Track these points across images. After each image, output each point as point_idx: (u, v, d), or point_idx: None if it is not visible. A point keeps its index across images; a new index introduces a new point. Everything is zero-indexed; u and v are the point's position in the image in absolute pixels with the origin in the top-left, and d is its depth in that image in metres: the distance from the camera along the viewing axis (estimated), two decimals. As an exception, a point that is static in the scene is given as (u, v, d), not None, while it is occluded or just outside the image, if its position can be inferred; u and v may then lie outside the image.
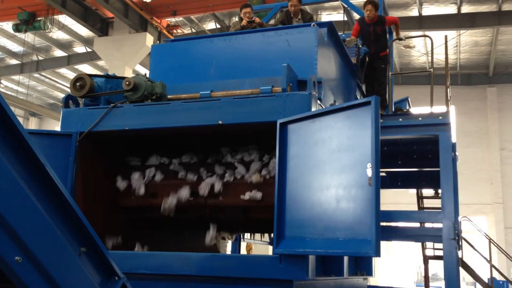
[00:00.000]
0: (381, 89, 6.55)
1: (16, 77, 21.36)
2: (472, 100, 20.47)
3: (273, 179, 3.33)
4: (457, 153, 6.37)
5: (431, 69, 7.10)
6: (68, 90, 4.09)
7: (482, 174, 19.77)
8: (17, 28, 15.71)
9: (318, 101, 3.59)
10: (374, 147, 2.73)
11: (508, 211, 19.38)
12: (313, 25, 4.25)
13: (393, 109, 6.85)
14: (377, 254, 2.60)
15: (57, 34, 18.05)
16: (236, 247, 7.37)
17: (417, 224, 7.17)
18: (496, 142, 20.04)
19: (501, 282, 13.39)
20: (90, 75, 4.03)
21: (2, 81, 21.91)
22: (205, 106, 3.72)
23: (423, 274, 9.20)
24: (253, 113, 3.54)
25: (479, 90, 20.57)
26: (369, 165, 2.72)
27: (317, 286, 3.57)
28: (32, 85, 22.74)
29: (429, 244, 8.06)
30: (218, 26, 16.88)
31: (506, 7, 15.41)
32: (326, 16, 16.13)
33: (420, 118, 5.97)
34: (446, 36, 7.23)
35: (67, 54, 19.78)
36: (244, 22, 6.49)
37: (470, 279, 10.39)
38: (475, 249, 9.01)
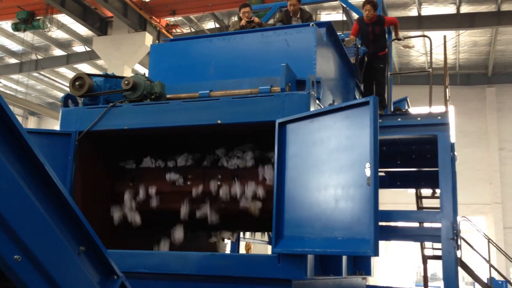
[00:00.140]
0: (380, 88, 6.56)
1: (15, 76, 21.36)
2: (471, 100, 20.49)
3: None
4: (456, 153, 6.38)
5: (430, 69, 7.11)
6: (67, 89, 4.10)
7: (481, 174, 19.80)
8: (16, 27, 15.71)
9: (317, 101, 3.60)
10: (372, 147, 2.73)
11: (507, 211, 19.41)
12: (312, 25, 4.25)
13: (392, 109, 6.86)
14: (376, 253, 2.61)
15: (56, 33, 18.05)
16: (235, 246, 7.37)
17: (416, 224, 7.18)
18: (495, 142, 20.07)
19: (500, 282, 13.42)
20: (89, 75, 4.04)
21: (1, 80, 21.91)
22: (204, 105, 3.72)
23: (422, 274, 9.22)
24: (252, 112, 3.55)
25: (478, 90, 20.60)
26: (367, 165, 2.73)
27: (316, 285, 3.58)
28: (31, 84, 22.74)
29: (428, 244, 8.07)
30: (217, 25, 16.90)
31: (505, 7, 15.44)
32: (325, 16, 16.13)
33: (419, 118, 5.98)
34: (445, 36, 7.24)
35: (66, 53, 19.78)
36: (243, 22, 6.49)
37: (469, 279, 10.41)
38: (474, 249, 9.03)
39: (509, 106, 20.35)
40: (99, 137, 4.06)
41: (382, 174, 7.46)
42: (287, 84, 3.52)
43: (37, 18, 15.35)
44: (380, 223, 6.40)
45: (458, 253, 5.99)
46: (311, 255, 3.16)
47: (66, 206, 1.84)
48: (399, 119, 6.03)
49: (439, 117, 5.86)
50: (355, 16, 8.14)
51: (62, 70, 21.42)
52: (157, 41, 15.40)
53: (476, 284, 9.59)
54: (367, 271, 5.04)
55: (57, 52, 19.94)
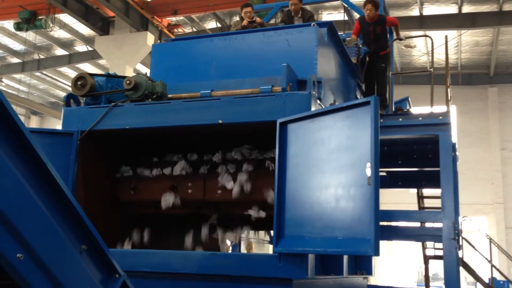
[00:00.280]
0: (381, 88, 6.56)
1: (17, 76, 21.39)
2: (473, 100, 20.46)
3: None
4: (457, 153, 6.38)
5: (431, 69, 7.10)
6: (69, 88, 4.11)
7: (483, 174, 19.77)
8: (18, 27, 15.74)
9: (318, 101, 3.60)
10: (373, 147, 2.74)
11: (508, 211, 19.38)
12: (313, 25, 4.26)
13: (393, 109, 6.86)
14: (376, 253, 2.61)
15: (58, 33, 18.08)
16: (236, 245, 7.38)
17: (418, 224, 7.18)
18: (497, 142, 20.04)
19: (501, 282, 13.40)
20: (91, 74, 4.05)
21: (3, 79, 21.96)
22: (205, 105, 3.73)
23: (423, 274, 9.22)
24: (253, 112, 3.55)
25: (480, 90, 20.56)
26: (368, 164, 2.74)
27: (317, 285, 3.58)
28: (34, 84, 22.78)
29: (429, 244, 8.07)
30: (219, 25, 16.90)
31: (507, 7, 15.41)
32: (326, 16, 16.13)
33: (420, 118, 5.98)
34: (446, 36, 7.24)
35: (68, 53, 19.81)
36: (245, 22, 6.51)
37: (471, 279, 10.40)
38: (476, 249, 9.03)
39: (511, 106, 20.32)
40: (101, 137, 4.08)
41: (384, 174, 7.46)
42: (288, 84, 3.53)
43: (39, 17, 15.38)
44: (382, 223, 6.42)
45: (460, 253, 5.99)
46: (312, 254, 3.17)
47: (68, 205, 1.85)
48: (401, 119, 6.03)
49: (440, 117, 5.85)
50: (356, 15, 8.14)
51: (64, 69, 21.46)
52: (158, 41, 15.41)
53: (478, 284, 9.59)
54: (368, 271, 5.05)
55: (59, 51, 19.97)
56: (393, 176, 7.66)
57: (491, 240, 10.24)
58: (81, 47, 19.51)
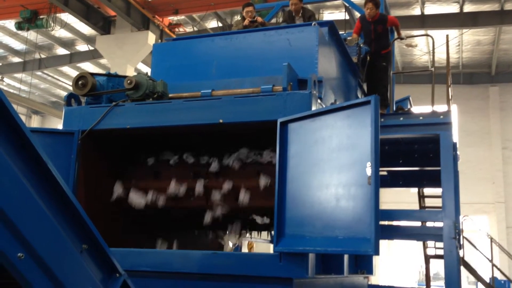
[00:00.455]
0: (382, 87, 6.56)
1: (18, 75, 21.40)
2: (474, 99, 20.43)
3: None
4: (458, 152, 6.37)
5: (433, 69, 7.10)
6: (70, 88, 4.12)
7: (484, 174, 19.74)
8: (19, 26, 15.74)
9: (319, 100, 3.61)
10: (373, 146, 2.74)
11: (510, 210, 19.35)
12: (314, 24, 4.26)
13: (394, 108, 6.86)
14: (376, 252, 2.62)
15: (60, 32, 18.08)
16: (237, 245, 7.39)
17: (419, 223, 7.17)
18: (498, 141, 20.01)
19: (502, 282, 13.39)
20: (92, 74, 4.05)
21: (4, 79, 21.98)
22: (206, 105, 3.74)
23: (424, 273, 9.22)
24: (254, 112, 3.56)
25: (481, 89, 20.53)
26: (368, 164, 2.74)
27: (317, 284, 3.59)
28: (35, 83, 22.80)
29: (430, 243, 8.07)
30: (220, 24, 16.89)
31: (508, 6, 15.38)
32: (328, 15, 16.12)
33: (421, 117, 5.98)
34: (447, 36, 7.22)
35: (69, 52, 19.82)
36: (246, 22, 6.51)
37: (472, 278, 10.40)
38: (477, 249, 9.02)
39: (513, 105, 20.30)
40: (102, 136, 4.08)
41: (385, 173, 7.46)
42: (289, 83, 3.53)
43: (41, 17, 15.38)
44: (383, 222, 6.43)
45: (461, 253, 5.99)
46: (313, 254, 3.17)
47: (69, 204, 1.86)
48: (401, 118, 6.02)
49: (441, 117, 5.85)
50: (357, 15, 8.13)
51: (65, 69, 21.47)
52: (159, 40, 15.41)
53: (479, 284, 9.58)
54: (369, 270, 5.05)
55: (61, 51, 19.99)
56: (394, 175, 7.66)
57: (492, 240, 10.23)
58: (82, 47, 19.52)
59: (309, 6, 8.25)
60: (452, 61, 18.91)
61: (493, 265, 9.51)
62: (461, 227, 6.31)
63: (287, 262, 3.10)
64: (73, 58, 19.77)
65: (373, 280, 6.20)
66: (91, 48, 18.57)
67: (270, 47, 4.32)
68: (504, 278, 11.83)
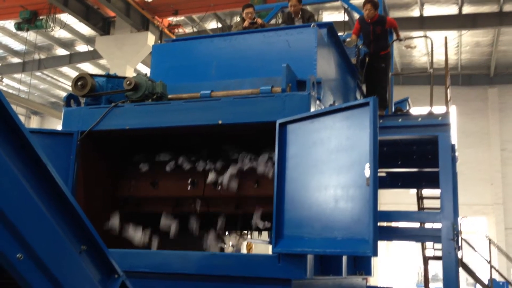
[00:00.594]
0: (381, 88, 6.57)
1: (18, 76, 21.39)
2: (473, 101, 20.47)
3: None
4: (457, 154, 6.39)
5: (431, 70, 7.11)
6: (70, 89, 4.12)
7: (483, 175, 19.77)
8: (19, 27, 15.74)
9: (318, 102, 3.61)
10: (372, 148, 2.75)
11: (508, 211, 19.38)
12: (313, 26, 4.27)
13: (393, 109, 6.87)
14: (375, 253, 2.62)
15: (59, 33, 18.08)
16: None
17: (417, 224, 7.19)
18: (497, 142, 20.04)
19: (501, 283, 13.41)
20: (92, 75, 4.06)
21: (4, 79, 21.96)
22: (205, 106, 3.74)
23: (423, 275, 9.23)
24: (253, 113, 3.57)
25: (480, 90, 20.57)
26: (367, 165, 2.75)
27: (316, 285, 3.59)
28: (34, 84, 22.78)
29: (429, 245, 8.08)
30: (220, 25, 16.91)
31: (507, 7, 15.41)
32: (327, 16, 16.13)
33: (419, 119, 5.99)
34: (446, 37, 7.24)
35: (69, 53, 19.82)
36: (246, 23, 6.51)
37: (471, 280, 10.41)
38: (475, 250, 9.04)
39: (511, 106, 20.32)
40: (101, 137, 4.09)
41: (383, 174, 7.47)
42: (288, 84, 3.54)
43: (40, 17, 15.37)
44: (381, 224, 6.44)
45: (459, 254, 6.00)
46: (311, 255, 3.17)
47: (68, 205, 1.86)
48: (400, 120, 6.04)
49: (439, 118, 5.86)
50: (356, 16, 8.14)
51: (65, 69, 21.47)
52: (159, 41, 15.41)
53: (477, 285, 9.59)
54: (368, 271, 5.05)
55: (60, 51, 19.98)
56: (393, 176, 7.67)
57: (490, 241, 10.25)
58: (81, 47, 19.52)
59: (308, 7, 8.27)
60: (451, 62, 18.93)
61: (492, 266, 9.53)
62: (459, 229, 6.32)
63: (285, 263, 3.11)
64: (73, 58, 19.77)
65: (372, 281, 6.21)
66: (91, 48, 18.57)
67: (269, 48, 4.33)
68: (503, 280, 11.85)
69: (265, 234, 6.76)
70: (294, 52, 4.18)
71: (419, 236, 6.60)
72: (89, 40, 18.31)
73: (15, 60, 20.76)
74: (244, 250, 11.60)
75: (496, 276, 11.69)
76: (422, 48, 18.31)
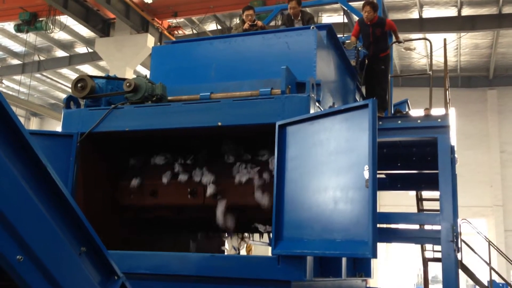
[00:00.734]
0: (381, 90, 6.57)
1: (17, 77, 21.40)
2: (472, 103, 20.48)
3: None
4: (456, 155, 6.38)
5: (430, 72, 7.12)
6: (69, 90, 4.13)
7: (482, 177, 19.78)
8: (18, 29, 15.75)
9: (317, 103, 3.62)
10: (371, 150, 2.75)
11: (508, 213, 19.38)
12: (313, 28, 4.28)
13: (392, 111, 6.87)
14: (374, 255, 2.62)
15: (59, 35, 18.09)
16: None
17: (417, 226, 7.18)
18: (496, 144, 20.05)
19: (500, 285, 13.39)
20: (91, 77, 4.06)
21: (3, 81, 21.96)
22: (205, 107, 3.75)
23: (423, 276, 9.22)
24: (252, 115, 3.57)
25: (480, 92, 20.59)
26: (366, 167, 2.75)
27: (315, 287, 3.59)
28: (34, 85, 22.78)
29: (428, 246, 8.07)
30: (219, 27, 16.92)
31: (506, 10, 15.44)
32: (326, 18, 16.15)
33: (419, 121, 5.98)
34: (445, 39, 7.24)
35: (68, 55, 19.83)
36: (246, 26, 6.51)
37: (471, 282, 10.41)
38: (475, 252, 9.02)
39: (510, 108, 20.33)
40: (101, 139, 4.09)
41: (383, 176, 7.47)
42: (287, 86, 3.54)
43: (40, 19, 15.38)
44: (381, 225, 6.43)
45: (459, 256, 5.99)
46: (311, 256, 3.18)
47: (68, 207, 1.86)
48: (399, 122, 6.03)
49: (439, 120, 5.86)
50: (355, 18, 8.16)
51: (64, 71, 21.47)
52: (159, 43, 15.42)
53: (477, 287, 9.58)
54: (367, 273, 5.05)
55: (60, 53, 19.99)
56: (392, 178, 7.66)
57: (490, 243, 10.23)
58: (81, 49, 19.52)
59: (307, 9, 8.28)
60: (450, 64, 18.96)
61: (491, 268, 9.52)
62: (459, 230, 6.32)
63: (285, 265, 3.11)
64: (72, 60, 19.78)
65: (371, 283, 6.19)
66: (90, 50, 18.58)
67: (269, 50, 4.34)
68: (502, 282, 11.83)
69: (265, 235, 6.77)
70: (293, 54, 4.19)
71: (419, 238, 6.59)
72: (88, 42, 18.32)
73: (15, 61, 20.77)
74: (243, 252, 11.59)
75: (495, 278, 11.69)
76: (421, 50, 18.33)
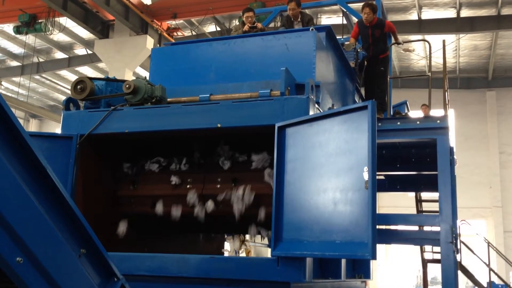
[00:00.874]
0: (380, 91, 6.59)
1: (16, 79, 21.40)
2: (471, 104, 20.51)
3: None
4: (455, 157, 6.39)
5: (429, 73, 7.13)
6: (69, 92, 4.13)
7: (481, 178, 19.80)
8: (18, 30, 15.75)
9: (316, 105, 3.62)
10: (370, 151, 2.76)
11: (507, 215, 19.39)
12: (312, 29, 4.28)
13: (391, 113, 6.88)
14: (373, 256, 2.63)
15: (58, 36, 18.10)
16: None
17: (416, 228, 7.18)
18: (495, 145, 20.07)
19: (500, 286, 13.40)
20: (91, 78, 4.07)
21: (2, 83, 21.95)
22: (204, 109, 3.75)
23: (422, 278, 9.23)
24: (252, 116, 3.57)
25: (479, 93, 20.61)
26: (365, 168, 2.75)
27: (315, 288, 3.59)
28: (33, 87, 22.78)
29: (427, 248, 8.07)
30: (219, 28, 16.94)
31: (505, 11, 15.47)
32: (326, 19, 16.17)
33: (418, 122, 6.00)
34: (444, 41, 7.27)
35: (67, 56, 19.83)
36: (246, 27, 6.52)
37: (471, 283, 10.43)
38: (474, 253, 9.04)
39: (509, 109, 20.36)
40: (100, 140, 4.09)
41: (382, 177, 7.48)
42: (286, 88, 3.55)
43: (39, 21, 15.39)
44: (380, 227, 6.43)
45: (458, 257, 6.00)
46: (310, 258, 3.18)
47: (68, 208, 1.86)
48: (399, 123, 6.04)
49: (438, 121, 5.87)
50: (355, 19, 8.17)
51: (64, 73, 21.48)
52: (158, 44, 15.43)
53: (476, 288, 9.58)
54: (367, 275, 5.05)
55: (59, 55, 20.00)
56: (392, 179, 7.67)
57: (489, 244, 10.25)
58: (80, 51, 19.53)
59: (307, 11, 8.29)
60: (449, 65, 18.98)
61: (490, 269, 9.53)
62: (458, 232, 6.32)
63: (284, 266, 3.11)
64: (72, 62, 19.78)
65: (371, 284, 6.21)
66: (90, 52, 18.58)
67: (268, 51, 4.34)
68: (501, 283, 11.84)
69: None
70: (293, 56, 4.19)
71: (418, 239, 6.59)
72: (88, 44, 18.33)
73: (14, 63, 20.77)
74: (243, 254, 11.59)
75: (495, 279, 11.70)
76: (420, 52, 18.36)
